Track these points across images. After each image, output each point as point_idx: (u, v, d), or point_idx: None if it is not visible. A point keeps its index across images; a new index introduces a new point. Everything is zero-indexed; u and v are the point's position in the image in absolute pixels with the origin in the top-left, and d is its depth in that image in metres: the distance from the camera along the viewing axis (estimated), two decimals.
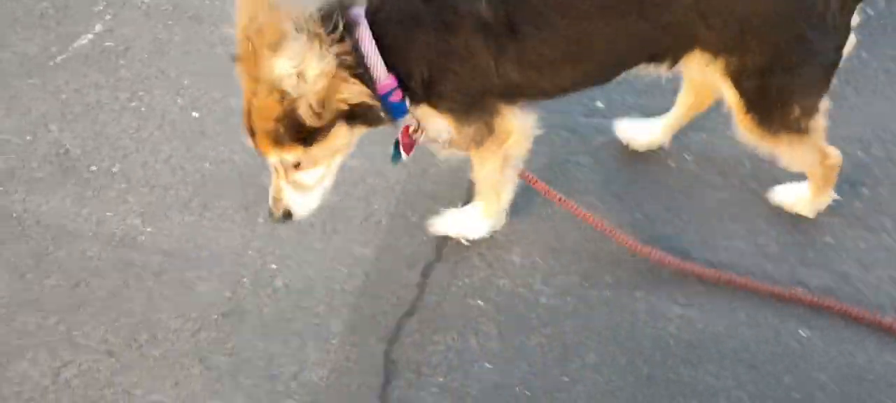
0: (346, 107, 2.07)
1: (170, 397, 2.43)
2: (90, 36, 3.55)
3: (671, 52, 2.27)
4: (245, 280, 2.68)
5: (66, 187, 2.99)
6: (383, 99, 2.12)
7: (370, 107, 2.09)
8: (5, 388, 2.48)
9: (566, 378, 2.40)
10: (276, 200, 2.25)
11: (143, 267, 2.74)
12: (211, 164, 3.04)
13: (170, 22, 3.62)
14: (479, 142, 2.34)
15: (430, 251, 2.72)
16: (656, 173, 2.90)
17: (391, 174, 2.91)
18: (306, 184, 2.23)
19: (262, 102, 2.02)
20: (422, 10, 2.08)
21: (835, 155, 2.52)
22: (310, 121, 2.04)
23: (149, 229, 2.85)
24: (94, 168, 3.05)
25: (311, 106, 2.01)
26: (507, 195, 2.58)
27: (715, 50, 2.22)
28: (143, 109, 3.25)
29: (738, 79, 2.26)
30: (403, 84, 2.13)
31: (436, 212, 2.74)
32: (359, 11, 2.09)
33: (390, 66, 2.10)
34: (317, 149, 2.13)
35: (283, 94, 1.99)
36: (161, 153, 3.09)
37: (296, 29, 1.91)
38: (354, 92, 2.03)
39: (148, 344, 2.55)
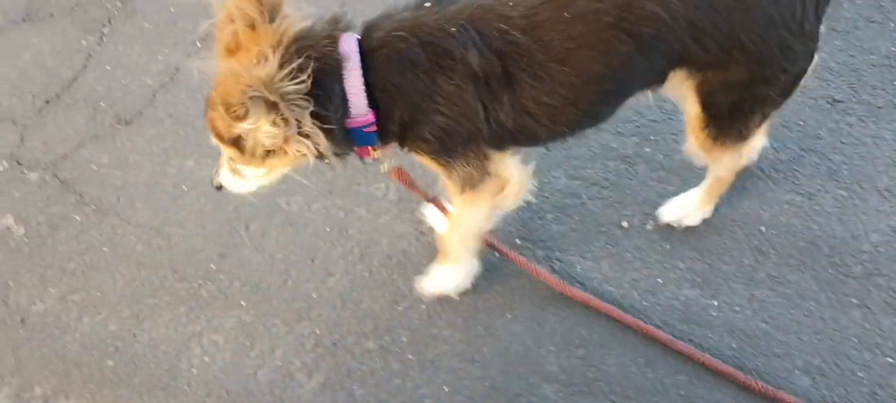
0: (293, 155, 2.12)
1: None
2: None
3: (663, 76, 2.24)
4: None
5: (595, 247, 2.87)
6: (355, 131, 2.15)
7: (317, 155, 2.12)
8: None
9: None
10: (217, 172, 2.40)
11: None
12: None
13: None
14: (473, 185, 2.35)
15: None
16: None
17: None
18: (243, 175, 2.33)
19: (220, 121, 2.09)
20: (419, 56, 2.09)
21: (748, 156, 2.59)
22: (251, 158, 2.14)
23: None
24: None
25: (254, 150, 2.10)
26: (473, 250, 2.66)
27: (699, 67, 2.18)
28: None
29: (711, 94, 2.24)
30: (380, 122, 2.16)
31: None
32: (349, 47, 2.10)
33: (373, 103, 2.13)
34: (252, 163, 2.19)
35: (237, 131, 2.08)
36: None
37: (256, 95, 1.93)
38: (300, 151, 2.08)
39: None
